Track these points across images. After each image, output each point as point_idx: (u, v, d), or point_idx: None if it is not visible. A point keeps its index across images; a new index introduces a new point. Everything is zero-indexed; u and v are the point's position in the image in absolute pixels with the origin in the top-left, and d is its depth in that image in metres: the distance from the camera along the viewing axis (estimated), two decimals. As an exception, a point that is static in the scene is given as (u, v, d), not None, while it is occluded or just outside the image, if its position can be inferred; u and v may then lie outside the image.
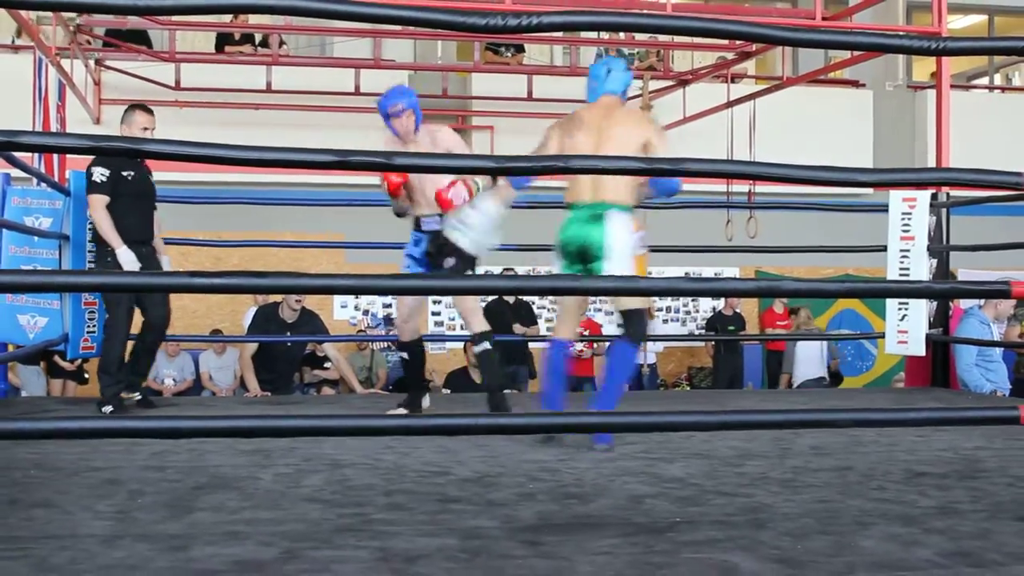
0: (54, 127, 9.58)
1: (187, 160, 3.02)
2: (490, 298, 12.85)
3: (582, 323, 13.22)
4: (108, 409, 7.03)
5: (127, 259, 6.91)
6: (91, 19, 12.13)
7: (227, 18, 13.69)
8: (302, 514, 4.15)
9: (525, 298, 13.00)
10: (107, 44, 13.34)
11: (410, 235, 7.28)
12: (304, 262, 13.13)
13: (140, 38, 13.79)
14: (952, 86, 10.05)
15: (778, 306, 14.53)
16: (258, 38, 14.39)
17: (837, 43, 4.01)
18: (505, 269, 12.93)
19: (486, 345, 7.13)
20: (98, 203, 6.98)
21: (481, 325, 7.14)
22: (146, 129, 7.24)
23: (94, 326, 7.56)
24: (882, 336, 8.54)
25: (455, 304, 7.70)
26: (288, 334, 9.55)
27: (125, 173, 7.11)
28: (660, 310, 15.97)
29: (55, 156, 8.60)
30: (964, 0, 17.29)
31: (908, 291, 6.01)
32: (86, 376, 12.98)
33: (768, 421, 3.93)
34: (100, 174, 6.98)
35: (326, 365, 11.24)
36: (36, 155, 8.03)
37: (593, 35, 14.40)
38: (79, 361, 12.09)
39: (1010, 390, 9.79)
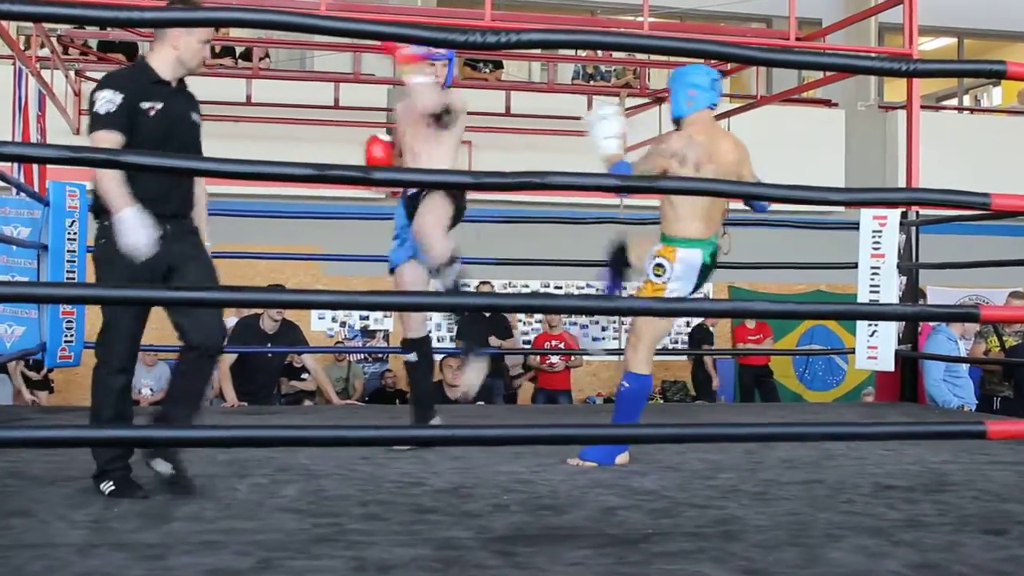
0: (34, 137, 9.56)
1: (168, 172, 3.02)
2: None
3: (557, 336, 13.27)
4: (108, 487, 4.61)
5: (131, 226, 4.43)
6: (73, 30, 12.10)
7: (209, 31, 13.67)
8: (278, 524, 4.15)
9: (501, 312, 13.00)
10: (85, 55, 13.29)
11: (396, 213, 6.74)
12: (282, 274, 13.10)
13: (130, 49, 13.73)
14: (922, 107, 10.11)
15: (750, 321, 14.55)
16: (238, 51, 14.37)
17: (810, 63, 4.05)
18: (482, 283, 12.93)
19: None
20: (101, 144, 4.54)
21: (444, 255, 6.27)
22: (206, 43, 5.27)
23: (72, 335, 7.53)
24: (852, 352, 8.56)
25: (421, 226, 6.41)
26: (269, 345, 9.53)
27: (146, 105, 4.72)
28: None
29: (35, 166, 8.55)
30: (935, 23, 17.34)
31: (879, 314, 6.03)
32: (52, 386, 12.94)
33: (740, 435, 3.94)
34: (107, 101, 4.64)
35: (303, 376, 11.21)
36: (15, 165, 7.99)
37: (571, 52, 14.42)
38: (45, 370, 12.05)
39: (976, 405, 9.84)
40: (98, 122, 4.63)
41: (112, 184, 4.49)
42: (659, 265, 5.66)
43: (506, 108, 14.46)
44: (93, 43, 13.50)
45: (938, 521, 4.41)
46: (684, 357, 15.79)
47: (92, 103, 4.67)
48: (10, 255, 7.31)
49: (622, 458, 5.68)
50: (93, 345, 4.90)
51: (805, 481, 5.26)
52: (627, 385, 5.79)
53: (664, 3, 15.42)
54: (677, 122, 5.88)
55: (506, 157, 13.93)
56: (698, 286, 5.73)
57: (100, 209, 4.68)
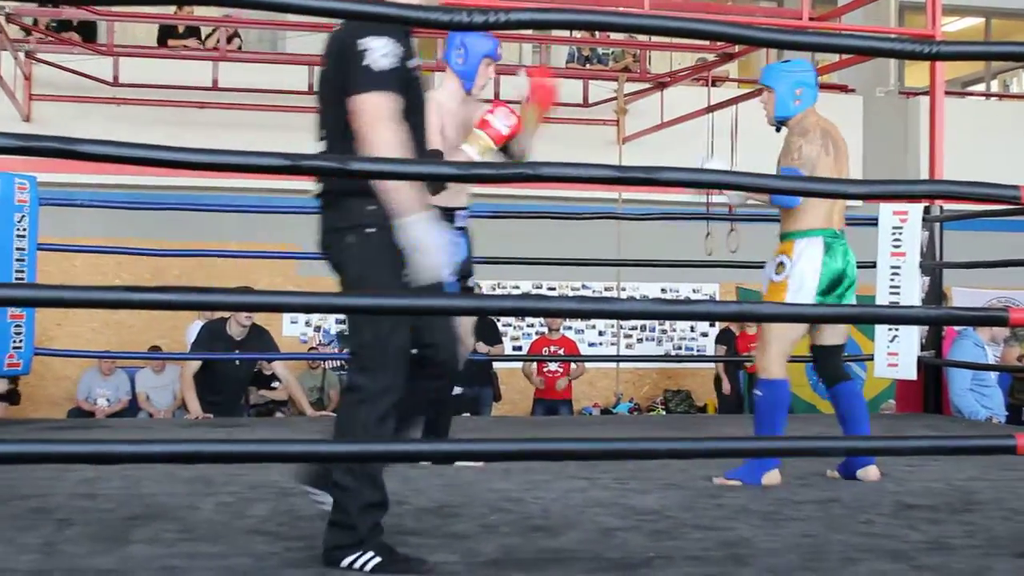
0: (-19, 125, 9.51)
1: (125, 162, 3.00)
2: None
3: (555, 341, 13.25)
4: (369, 560, 3.78)
5: (433, 240, 3.74)
6: (22, 8, 12.05)
7: (170, 9, 13.64)
8: (246, 547, 4.13)
9: (490, 316, 12.98)
10: (28, 33, 13.21)
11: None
12: (252, 274, 13.06)
13: (88, 30, 13.69)
14: (946, 93, 10.12)
15: (752, 327, 14.49)
16: (205, 31, 14.34)
17: (824, 45, 4.04)
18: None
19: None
20: (383, 111, 3.76)
21: None
22: None
23: (21, 341, 7.50)
24: (871, 359, 8.56)
25: None
26: (236, 352, 9.50)
27: (412, 63, 3.96)
28: (634, 329, 15.98)
29: (-19, 157, 8.52)
30: (960, 2, 17.39)
31: (899, 318, 6.03)
32: (17, 397, 12.89)
33: (749, 448, 3.93)
34: (388, 53, 3.77)
35: (274, 385, 11.19)
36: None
37: (565, 34, 14.42)
38: (8, 381, 12.04)
39: (1006, 416, 9.84)
40: (375, 80, 3.77)
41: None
42: (780, 264, 5.71)
43: (495, 94, 14.44)
44: (48, 24, 13.45)
45: (965, 543, 4.40)
46: (686, 365, 15.81)
47: (359, 53, 3.79)
48: (-48, 253, 7.28)
49: (771, 477, 5.67)
50: (349, 370, 4.08)
51: (820, 500, 5.26)
52: (759, 394, 5.81)
53: (666, -20, 15.45)
54: (782, 122, 5.92)
55: (495, 147, 13.92)
56: (832, 289, 5.72)
57: (344, 191, 3.86)
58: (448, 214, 5.88)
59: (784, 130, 5.93)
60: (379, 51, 3.75)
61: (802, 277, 5.62)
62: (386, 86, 3.75)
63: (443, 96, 6.00)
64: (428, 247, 3.73)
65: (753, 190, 3.50)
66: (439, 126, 5.88)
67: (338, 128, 3.84)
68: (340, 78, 3.81)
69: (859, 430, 5.83)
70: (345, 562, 3.75)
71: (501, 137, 5.65)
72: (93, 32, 13.91)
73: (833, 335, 5.94)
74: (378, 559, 3.75)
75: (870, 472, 5.78)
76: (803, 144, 5.71)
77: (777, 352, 5.77)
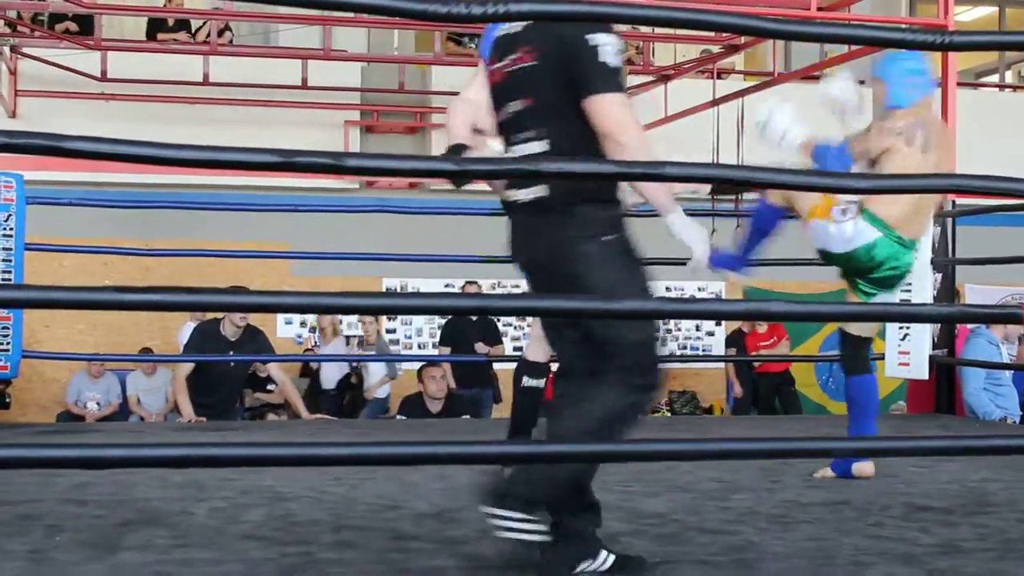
0: (-34, 122, 9.53)
1: (113, 159, 3.01)
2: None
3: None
4: (603, 562, 3.82)
5: (698, 231, 3.96)
6: (7, 2, 12.06)
7: (160, 1, 13.65)
8: (240, 553, 4.15)
9: (489, 315, 13.00)
10: (12, 27, 13.21)
11: None
12: (245, 273, 13.07)
13: (87, 24, 13.68)
14: (959, 84, 10.12)
15: (761, 326, 14.50)
16: (195, 25, 14.35)
17: (833, 36, 4.04)
18: (467, 283, 12.93)
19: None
20: (629, 111, 3.78)
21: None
22: None
23: (8, 344, 7.50)
24: (882, 358, 8.56)
25: None
26: (231, 353, 9.50)
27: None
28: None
29: (-34, 154, 8.52)
30: (973, -11, 17.40)
31: (911, 316, 6.05)
32: (8, 400, 12.91)
33: (756, 450, 3.94)
34: (616, 49, 3.76)
35: (269, 387, 11.21)
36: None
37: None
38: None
39: (1021, 416, 9.85)
40: (615, 80, 3.72)
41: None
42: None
43: (493, 87, 14.47)
44: (44, 18, 13.45)
45: (978, 547, 4.42)
46: (691, 365, 15.83)
47: (592, 49, 3.70)
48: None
49: (862, 467, 5.77)
50: (624, 367, 3.82)
51: (829, 502, 5.27)
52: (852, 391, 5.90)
53: (670, -31, 15.46)
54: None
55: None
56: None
57: (591, 203, 3.77)
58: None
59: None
60: (611, 47, 3.70)
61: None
62: (623, 85, 3.75)
63: (471, 92, 6.02)
64: (695, 239, 3.88)
65: (758, 186, 3.50)
66: (471, 119, 5.88)
67: (563, 126, 3.74)
68: (567, 74, 3.71)
69: (867, 423, 5.84)
70: (581, 567, 3.76)
71: None
72: (91, 26, 13.91)
73: (864, 327, 5.96)
74: (612, 556, 3.81)
75: (864, 468, 5.81)
76: (898, 117, 5.69)
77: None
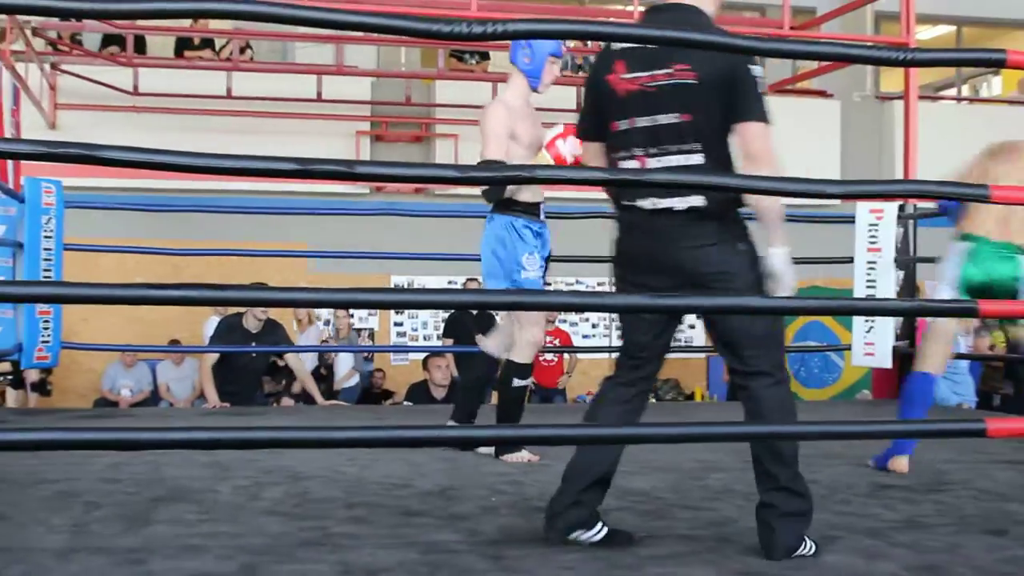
0: (8, 132, 9.52)
1: (145, 167, 3.01)
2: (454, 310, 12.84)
3: (551, 332, 13.25)
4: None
5: (790, 270, 3.93)
6: (47, 22, 12.06)
7: (187, 22, 13.64)
8: (261, 527, 4.15)
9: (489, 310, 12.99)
10: (56, 48, 13.23)
11: (515, 227, 6.01)
12: (265, 271, 13.06)
13: (138, 44, 13.69)
14: (920, 97, 10.12)
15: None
16: (219, 43, 14.35)
17: (804, 53, 4.05)
18: (468, 279, 12.93)
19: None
20: (771, 140, 3.77)
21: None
22: None
23: (49, 335, 7.51)
24: (848, 348, 8.57)
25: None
26: (253, 344, 9.50)
27: None
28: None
29: (9, 162, 8.53)
30: (932, 11, 17.37)
31: (874, 309, 6.04)
32: (49, 388, 12.94)
33: (733, 433, 3.94)
34: (763, 79, 3.79)
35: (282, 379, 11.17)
36: (-10, 161, 7.96)
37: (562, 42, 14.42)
38: (41, 372, 12.07)
39: (976, 403, 9.86)
40: (766, 109, 3.75)
41: (777, 208, 3.83)
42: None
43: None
44: (84, 37, 13.45)
45: (937, 522, 4.42)
46: (675, 355, 15.80)
47: (753, 80, 3.71)
48: (-16, 253, 7.29)
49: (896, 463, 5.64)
50: (758, 364, 3.86)
51: (801, 481, 5.27)
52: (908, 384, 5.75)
53: (655, -8, 15.42)
54: None
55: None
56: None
57: (718, 215, 3.78)
58: (535, 208, 5.97)
59: None
60: (761, 78, 3.74)
61: (943, 277, 5.55)
62: (767, 116, 3.74)
63: (510, 96, 6.01)
64: (787, 275, 3.84)
65: (731, 190, 3.51)
66: (506, 130, 5.87)
67: (715, 144, 3.73)
68: (727, 97, 3.67)
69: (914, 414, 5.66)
70: (804, 549, 3.75)
71: (563, 163, 5.63)
72: (143, 46, 13.93)
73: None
74: (812, 545, 3.79)
75: (898, 463, 5.68)
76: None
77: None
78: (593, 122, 3.95)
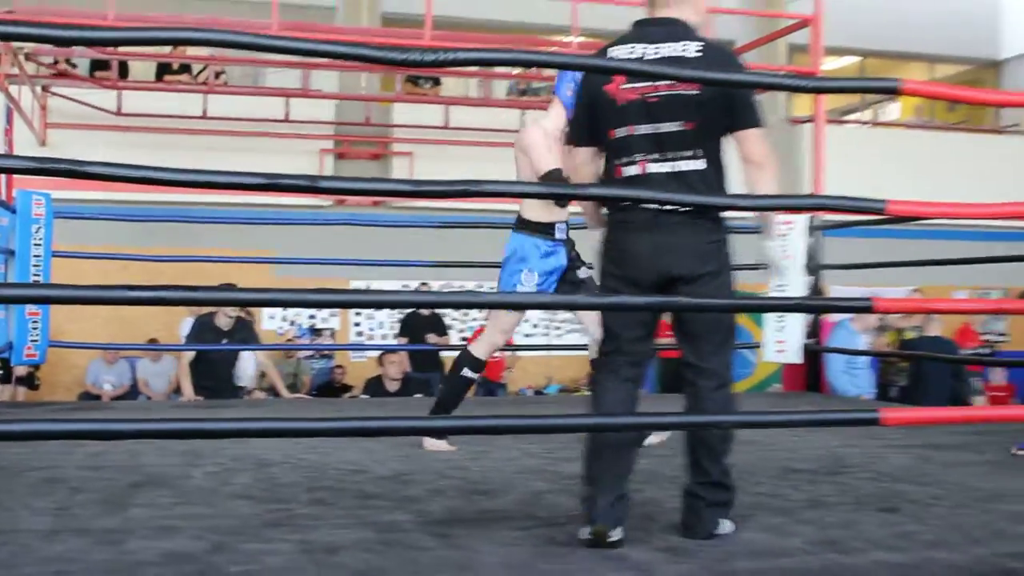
0: (1, 149, 9.41)
1: (127, 181, 3.00)
2: (407, 311, 12.83)
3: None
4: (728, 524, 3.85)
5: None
6: (39, 48, 11.95)
7: (166, 49, 13.55)
8: (231, 510, 4.13)
9: (438, 311, 12.98)
10: (47, 71, 13.13)
11: (532, 246, 5.81)
12: (235, 276, 12.92)
13: (103, 66, 13.57)
14: (827, 120, 10.21)
15: (669, 318, 14.50)
16: (196, 68, 14.27)
17: (724, 81, 4.06)
18: (421, 284, 12.93)
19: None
20: (768, 145, 3.93)
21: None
22: None
23: (38, 334, 7.44)
24: (761, 346, 8.62)
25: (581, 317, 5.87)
26: (225, 341, 9.46)
27: None
28: (564, 321, 16.00)
29: (2, 176, 8.43)
30: (839, 44, 17.52)
31: (782, 307, 6.10)
32: (37, 383, 12.84)
33: (659, 423, 3.96)
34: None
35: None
36: (-16, 175, 7.88)
37: (505, 69, 14.44)
38: (29, 368, 11.99)
39: (875, 394, 9.96)
40: (761, 116, 3.86)
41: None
42: None
43: (445, 121, 14.48)
44: (80, 62, 13.33)
45: (838, 501, 4.47)
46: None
47: (750, 91, 3.84)
48: (-22, 259, 7.22)
49: None
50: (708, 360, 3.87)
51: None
52: None
53: (591, 25, 15.46)
54: None
55: (445, 168, 13.90)
56: None
57: (704, 214, 3.76)
58: (548, 227, 5.81)
59: None
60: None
61: None
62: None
63: (549, 123, 5.97)
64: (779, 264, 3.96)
65: (671, 202, 3.53)
66: (548, 147, 5.82)
67: (715, 150, 3.73)
68: (727, 108, 3.69)
69: None
70: (720, 529, 3.77)
71: None
72: (126, 70, 13.82)
73: None
74: (731, 523, 3.83)
75: None
76: None
77: None
78: (587, 129, 3.86)
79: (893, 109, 21.21)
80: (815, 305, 7.88)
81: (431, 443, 5.78)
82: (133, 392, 12.93)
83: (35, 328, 7.46)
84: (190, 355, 9.46)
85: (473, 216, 12.00)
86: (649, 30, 3.76)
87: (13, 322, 7.33)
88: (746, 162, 3.72)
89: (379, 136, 14.89)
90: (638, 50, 3.70)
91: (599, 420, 3.65)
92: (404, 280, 13.32)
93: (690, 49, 3.67)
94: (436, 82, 15.27)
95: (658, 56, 3.66)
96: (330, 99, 14.38)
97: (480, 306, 4.74)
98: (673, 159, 3.68)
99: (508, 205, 5.57)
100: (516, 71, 14.82)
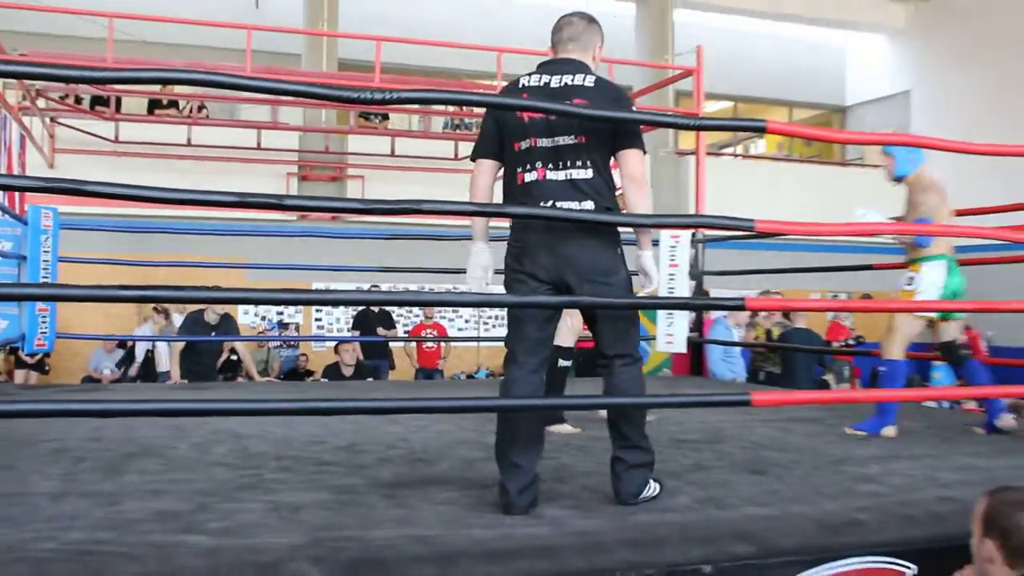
0: (16, 171, 9.23)
1: (123, 198, 2.95)
2: (360, 308, 12.75)
3: (431, 324, 13.20)
4: (654, 488, 3.79)
5: (656, 272, 3.99)
6: (48, 84, 11.74)
7: (157, 87, 13.36)
8: (211, 475, 4.08)
9: (386, 308, 12.91)
10: (57, 104, 12.91)
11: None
12: (214, 279, 12.76)
13: (102, 100, 13.36)
14: (708, 153, 10.30)
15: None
16: (182, 103, 14.10)
17: (627, 119, 4.09)
18: (372, 286, 12.85)
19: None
20: (643, 164, 3.78)
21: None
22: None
23: (46, 327, 7.32)
24: (654, 338, 8.67)
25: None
26: (212, 333, 9.40)
27: None
28: (491, 317, 15.99)
29: (16, 194, 8.28)
30: (716, 90, 17.73)
31: (669, 305, 6.15)
32: (47, 368, 12.66)
33: (567, 405, 3.97)
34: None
35: (234, 358, 11.02)
36: (1, 192, 7.72)
37: (442, 107, 14.40)
38: (39, 355, 11.84)
39: (747, 378, 10.06)
40: (642, 139, 3.77)
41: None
42: (910, 278, 5.55)
43: (391, 150, 14.42)
44: (84, 98, 13.09)
45: (716, 465, 4.50)
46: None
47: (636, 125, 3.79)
48: (-5, 263, 7.11)
49: (888, 431, 5.54)
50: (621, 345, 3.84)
51: (619, 437, 5.32)
52: (883, 369, 5.64)
53: (515, 71, 15.47)
54: (900, 179, 5.69)
55: (391, 189, 13.89)
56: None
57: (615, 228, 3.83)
58: None
59: (902, 185, 5.67)
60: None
61: (926, 288, 5.47)
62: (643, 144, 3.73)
63: None
64: (655, 272, 3.85)
65: (580, 222, 3.53)
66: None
67: (602, 163, 3.67)
68: (613, 129, 3.65)
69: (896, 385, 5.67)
70: (648, 491, 3.71)
71: None
72: (122, 104, 13.61)
73: (947, 334, 5.78)
74: (657, 486, 3.76)
75: (1004, 420, 5.65)
76: (925, 198, 5.52)
77: (901, 343, 5.63)
78: (493, 144, 3.78)
79: (760, 145, 21.48)
80: (698, 304, 7.96)
81: (557, 428, 5.50)
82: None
83: (44, 322, 7.35)
84: (181, 345, 9.38)
85: (415, 229, 11.99)
86: (553, 66, 3.77)
87: (25, 317, 7.22)
88: (625, 178, 3.70)
89: (336, 162, 14.78)
90: (544, 79, 3.71)
91: (522, 402, 3.64)
92: (357, 282, 13.23)
93: (587, 80, 3.68)
94: (384, 117, 15.20)
95: (560, 84, 3.67)
96: (295, 131, 14.26)
97: (420, 304, 4.71)
98: (567, 168, 3.66)
99: (445, 220, 5.59)
100: (451, 109, 14.77)
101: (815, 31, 20.07)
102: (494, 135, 3.79)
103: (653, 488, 3.75)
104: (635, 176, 3.69)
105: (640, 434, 3.75)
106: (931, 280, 5.51)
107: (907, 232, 5.38)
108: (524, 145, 3.71)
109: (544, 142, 3.67)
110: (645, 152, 3.71)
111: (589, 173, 3.66)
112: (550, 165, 3.67)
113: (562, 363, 5.71)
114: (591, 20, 3.86)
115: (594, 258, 3.67)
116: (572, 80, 3.69)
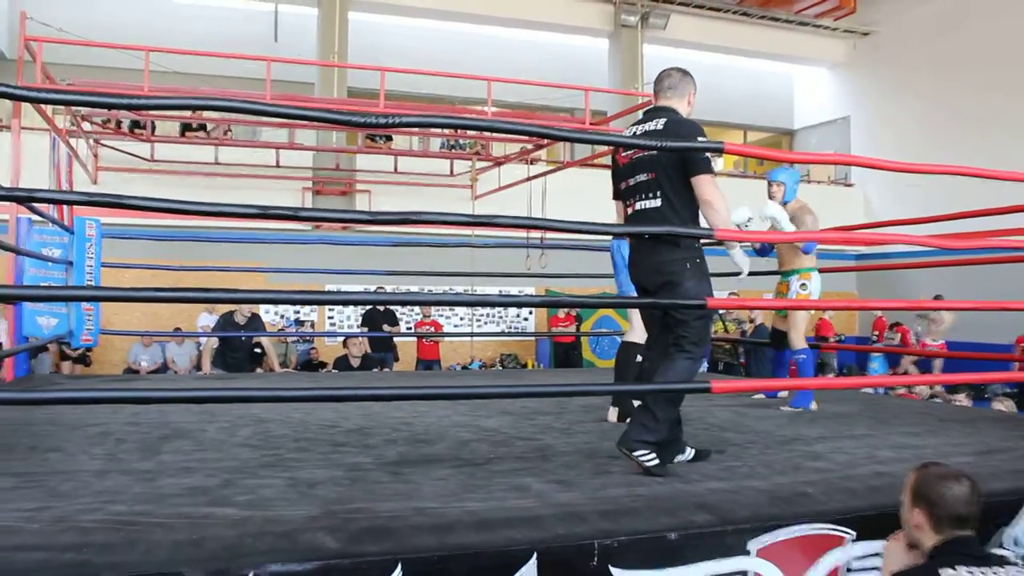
0: (63, 186, 9.19)
1: (159, 211, 2.95)
2: (367, 307, 12.74)
3: (430, 322, 13.19)
4: (652, 458, 3.74)
5: (745, 262, 4.11)
6: (92, 111, 11.70)
7: (188, 113, 13.33)
8: (236, 455, 4.08)
9: (390, 307, 12.91)
10: (100, 128, 12.86)
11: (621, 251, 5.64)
12: (238, 281, 12.77)
13: (140, 124, 13.32)
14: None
15: (560, 313, 14.59)
16: (210, 127, 14.07)
17: (598, 140, 4.09)
18: (378, 287, 12.84)
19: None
20: (718, 188, 3.91)
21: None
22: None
23: (91, 324, 7.32)
24: (622, 333, 8.67)
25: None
26: (240, 331, 9.42)
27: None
28: (483, 314, 16.00)
29: (64, 207, 8.25)
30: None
31: (640, 304, 6.14)
32: (89, 361, 12.65)
33: (549, 391, 3.97)
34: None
35: (258, 351, 11.00)
36: (51, 206, 7.70)
37: (439, 130, 14.40)
38: (82, 349, 11.82)
39: (708, 367, 10.08)
40: (710, 165, 3.89)
41: (725, 212, 3.92)
42: (803, 284, 6.25)
43: (395, 167, 14.41)
44: (124, 122, 13.04)
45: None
46: (514, 337, 15.89)
47: (703, 155, 3.89)
48: (47, 269, 7.09)
49: (813, 404, 6.04)
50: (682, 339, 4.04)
51: (596, 420, 5.33)
52: (803, 356, 6.22)
53: (502, 97, 15.52)
54: (786, 204, 6.34)
55: (395, 202, 13.89)
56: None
57: (666, 239, 3.93)
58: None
59: (771, 207, 6.16)
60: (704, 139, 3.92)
61: (814, 291, 6.23)
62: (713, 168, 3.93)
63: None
64: (745, 264, 4.11)
65: (552, 229, 3.55)
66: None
67: (672, 193, 3.90)
68: (680, 161, 3.87)
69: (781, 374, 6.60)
70: (637, 453, 3.74)
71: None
72: (156, 127, 13.59)
73: (782, 324, 6.47)
74: (656, 460, 3.76)
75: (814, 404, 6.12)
76: (811, 219, 6.22)
77: (801, 332, 6.30)
78: (614, 186, 4.19)
79: (719, 163, 21.52)
80: (663, 304, 7.95)
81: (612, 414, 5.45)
82: (163, 368, 12.71)
83: (89, 319, 7.34)
84: (215, 340, 9.38)
85: (416, 237, 11.98)
86: (650, 113, 4.10)
87: (73, 315, 7.20)
88: (700, 201, 3.88)
89: (346, 178, 14.77)
90: (636, 128, 4.04)
91: (517, 390, 3.64)
92: (365, 284, 13.22)
93: (659, 124, 3.97)
94: (389, 138, 15.20)
95: (643, 131, 3.99)
96: (309, 150, 14.24)
97: (420, 303, 4.71)
98: (644, 199, 3.96)
99: (442, 230, 5.60)
100: (447, 131, 14.77)
101: (767, 64, 20.16)
102: (613, 178, 4.19)
103: (653, 459, 3.74)
104: (704, 198, 3.87)
105: (661, 407, 3.83)
106: (816, 284, 6.27)
107: (850, 241, 5.44)
108: (622, 185, 4.11)
109: (631, 181, 4.03)
110: (714, 175, 3.89)
111: (658, 202, 3.92)
112: (638, 197, 3.99)
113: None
114: (685, 72, 4.17)
115: (670, 265, 3.96)
116: (651, 126, 3.98)
